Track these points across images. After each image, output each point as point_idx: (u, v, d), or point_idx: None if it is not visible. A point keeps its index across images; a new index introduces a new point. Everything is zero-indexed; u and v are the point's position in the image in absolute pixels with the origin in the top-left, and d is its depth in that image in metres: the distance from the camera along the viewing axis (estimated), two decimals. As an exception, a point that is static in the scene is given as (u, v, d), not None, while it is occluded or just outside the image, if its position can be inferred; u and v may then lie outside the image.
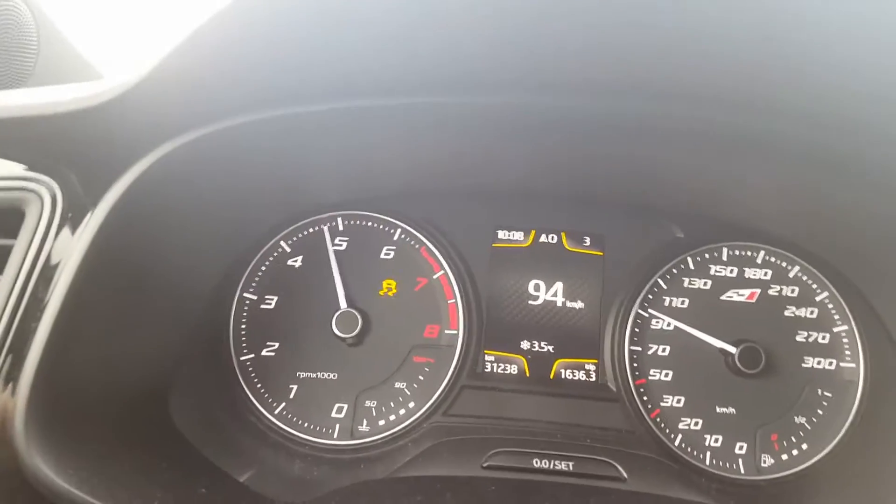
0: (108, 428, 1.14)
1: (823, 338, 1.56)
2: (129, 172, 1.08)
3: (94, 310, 1.08)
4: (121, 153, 1.08)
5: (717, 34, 0.89)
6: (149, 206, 1.13)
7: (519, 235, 1.65)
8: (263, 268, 1.60)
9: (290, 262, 1.61)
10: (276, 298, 1.59)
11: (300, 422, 1.54)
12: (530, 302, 1.62)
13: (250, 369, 1.56)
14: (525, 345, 1.60)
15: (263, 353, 1.56)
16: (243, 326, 1.57)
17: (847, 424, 1.51)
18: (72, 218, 1.06)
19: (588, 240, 1.64)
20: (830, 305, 1.57)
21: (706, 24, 0.88)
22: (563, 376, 1.59)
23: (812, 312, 1.57)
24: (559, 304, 1.62)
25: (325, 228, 1.62)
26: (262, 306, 1.58)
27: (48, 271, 1.03)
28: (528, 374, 1.59)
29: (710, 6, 0.84)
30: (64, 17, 1.73)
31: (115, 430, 1.16)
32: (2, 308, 0.98)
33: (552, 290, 1.62)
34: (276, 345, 1.57)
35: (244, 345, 1.57)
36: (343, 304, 1.55)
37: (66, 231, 1.06)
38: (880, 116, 1.01)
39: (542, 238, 1.64)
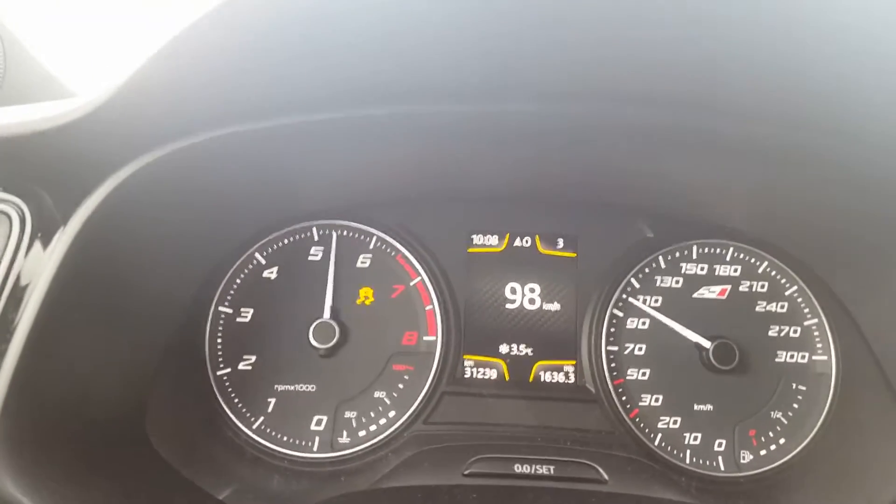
0: (83, 449, 1.12)
1: (795, 332, 1.59)
2: (100, 189, 1.07)
3: (65, 330, 1.07)
4: (92, 170, 1.07)
5: (678, 38, 0.91)
6: (120, 222, 1.12)
7: (493, 240, 1.66)
8: (238, 280, 1.58)
9: (265, 274, 1.59)
10: (251, 311, 1.57)
11: (279, 435, 1.52)
12: (507, 306, 1.63)
13: (227, 384, 1.54)
14: (504, 348, 1.61)
15: (240, 366, 1.55)
16: (219, 340, 1.55)
17: (822, 417, 1.54)
18: (42, 237, 1.04)
19: (561, 242, 1.65)
20: (800, 299, 1.60)
21: (665, 28, 0.89)
22: (542, 379, 1.59)
23: (782, 307, 1.60)
24: (536, 306, 1.63)
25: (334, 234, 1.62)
26: (238, 319, 1.56)
27: (18, 292, 1.01)
28: (507, 378, 1.59)
29: (672, 12, 0.86)
30: (30, 33, 1.70)
31: (91, 451, 1.14)
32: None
33: (528, 293, 1.63)
34: (253, 358, 1.55)
35: (220, 359, 1.55)
36: (327, 313, 1.54)
37: (35, 250, 1.04)
38: (839, 113, 1.04)
39: (517, 242, 1.66)
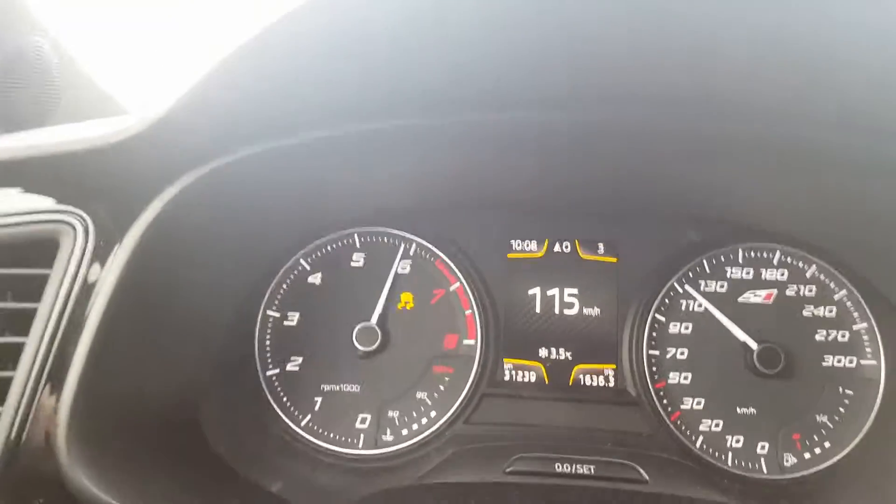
0: (144, 444, 1.19)
1: (843, 336, 1.56)
2: (154, 203, 1.13)
3: (126, 333, 1.13)
4: (146, 185, 1.14)
5: (722, 42, 0.92)
6: (172, 235, 1.18)
7: (532, 245, 1.67)
8: (285, 286, 1.65)
9: (310, 280, 1.65)
10: (297, 315, 1.63)
11: (326, 433, 1.58)
12: (547, 310, 1.64)
13: (276, 384, 1.61)
14: (543, 352, 1.62)
15: (288, 367, 1.61)
16: (268, 343, 1.62)
17: (869, 422, 1.50)
18: (103, 247, 1.11)
19: (602, 247, 1.66)
20: (849, 303, 1.57)
21: (705, 31, 0.90)
22: (582, 382, 1.60)
23: (830, 311, 1.57)
24: (575, 311, 1.64)
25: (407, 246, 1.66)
26: (286, 323, 1.63)
27: (83, 298, 1.08)
28: (547, 381, 1.61)
29: (718, 16, 0.86)
30: (85, 53, 1.80)
31: (150, 446, 1.21)
32: (42, 332, 1.04)
33: (568, 298, 1.64)
34: (300, 359, 1.61)
35: (269, 360, 1.62)
36: (375, 318, 1.59)
37: (98, 259, 1.11)
38: (883, 112, 1.02)
39: (556, 247, 1.67)
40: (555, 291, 1.65)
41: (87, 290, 1.08)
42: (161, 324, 1.25)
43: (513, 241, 1.67)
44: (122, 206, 1.13)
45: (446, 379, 1.60)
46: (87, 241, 1.11)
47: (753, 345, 1.52)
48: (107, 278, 1.09)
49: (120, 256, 1.10)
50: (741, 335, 1.54)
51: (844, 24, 0.84)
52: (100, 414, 1.08)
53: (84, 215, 1.12)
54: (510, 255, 1.67)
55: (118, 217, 1.13)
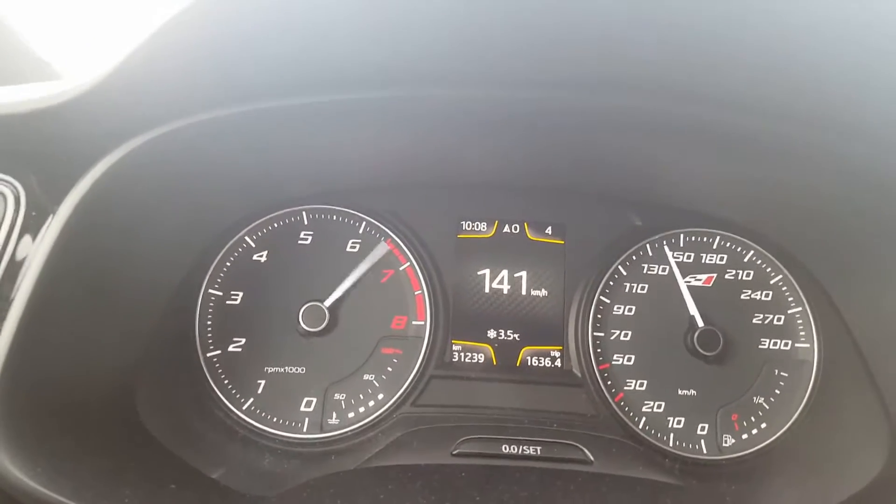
0: (76, 427, 1.13)
1: (778, 319, 1.62)
2: (91, 173, 1.08)
3: (59, 309, 1.08)
4: (81, 154, 1.08)
5: (666, 28, 0.92)
6: (111, 205, 1.12)
7: (483, 226, 1.67)
8: (228, 263, 1.59)
9: (255, 258, 1.60)
10: (241, 294, 1.58)
11: (269, 416, 1.54)
12: (496, 291, 1.64)
13: (217, 365, 1.55)
14: (492, 333, 1.63)
15: (230, 348, 1.56)
16: (209, 322, 1.57)
17: (803, 402, 1.57)
18: (35, 217, 1.05)
19: (550, 229, 1.67)
20: (784, 288, 1.63)
21: (653, 19, 0.91)
22: (529, 363, 1.62)
23: (767, 295, 1.63)
24: (524, 292, 1.65)
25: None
26: (228, 302, 1.58)
27: (13, 270, 1.02)
28: (495, 363, 1.61)
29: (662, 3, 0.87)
30: (17, 15, 1.69)
31: (83, 429, 1.15)
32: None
33: (516, 280, 1.65)
34: (243, 340, 1.56)
35: (210, 341, 1.56)
36: (329, 301, 1.56)
37: (30, 230, 1.05)
38: (825, 105, 1.06)
39: (506, 228, 1.67)
40: (504, 272, 1.65)
41: (17, 264, 1.02)
42: (95, 301, 1.19)
43: (463, 222, 1.67)
44: (55, 176, 1.07)
45: (394, 360, 1.58)
46: (17, 212, 1.04)
47: (700, 322, 1.56)
48: (38, 251, 1.03)
49: (52, 229, 1.05)
50: (693, 310, 1.58)
51: (785, 15, 0.85)
52: (28, 397, 1.03)
53: (15, 183, 1.06)
54: (460, 236, 1.66)
55: (52, 186, 1.07)
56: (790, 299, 1.62)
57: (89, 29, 1.86)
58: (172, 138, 1.12)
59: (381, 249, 1.62)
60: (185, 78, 1.05)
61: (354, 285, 1.60)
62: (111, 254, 1.20)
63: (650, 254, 1.65)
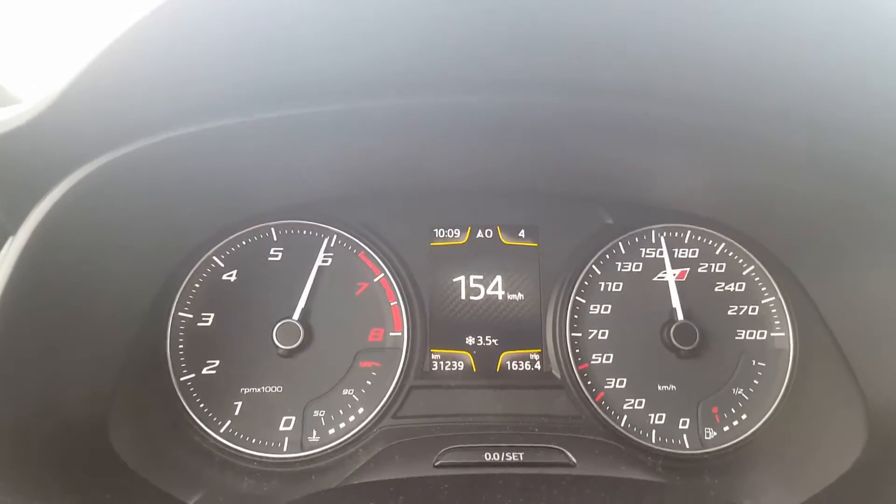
0: (47, 460, 1.10)
1: (753, 310, 1.63)
2: (50, 195, 1.05)
3: (21, 337, 1.04)
4: (43, 176, 1.05)
5: (624, 26, 0.92)
6: (73, 228, 1.09)
7: (456, 233, 1.66)
8: (197, 285, 1.56)
9: (224, 277, 1.58)
10: (212, 315, 1.55)
11: (247, 438, 1.51)
12: (472, 298, 1.64)
13: (192, 389, 1.52)
14: (470, 340, 1.62)
15: (204, 371, 1.53)
16: (181, 346, 1.53)
17: (781, 391, 1.58)
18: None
19: (523, 232, 1.67)
20: (757, 279, 1.64)
21: (612, 17, 0.90)
22: (509, 368, 1.61)
23: (740, 286, 1.64)
24: (500, 297, 1.64)
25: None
26: (199, 324, 1.55)
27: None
28: (474, 370, 1.60)
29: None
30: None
31: (55, 462, 1.12)
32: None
33: (492, 285, 1.64)
34: (217, 362, 1.54)
35: (183, 365, 1.53)
36: (297, 314, 1.53)
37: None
38: (787, 99, 1.06)
39: (479, 234, 1.67)
40: (479, 278, 1.64)
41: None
42: (60, 328, 1.16)
43: (436, 230, 1.66)
44: (14, 200, 1.04)
45: (373, 373, 1.56)
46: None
47: (680, 316, 1.56)
48: (-1, 279, 0.99)
49: (11, 255, 1.01)
50: (676, 302, 1.58)
51: (759, 14, 0.86)
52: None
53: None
54: (433, 244, 1.65)
55: (10, 211, 1.03)
56: (763, 289, 1.64)
57: (42, 48, 1.81)
58: (130, 160, 1.09)
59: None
60: (141, 97, 1.02)
61: (327, 297, 1.57)
62: (75, 278, 1.16)
63: (623, 251, 1.65)
